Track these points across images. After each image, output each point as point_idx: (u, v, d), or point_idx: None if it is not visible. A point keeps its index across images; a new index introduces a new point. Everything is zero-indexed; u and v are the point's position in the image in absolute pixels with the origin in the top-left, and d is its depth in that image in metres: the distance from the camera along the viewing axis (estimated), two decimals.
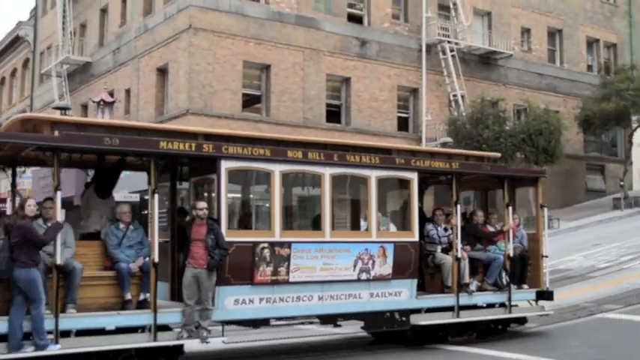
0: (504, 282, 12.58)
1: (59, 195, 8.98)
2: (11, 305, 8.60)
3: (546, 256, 13.47)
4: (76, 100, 35.15)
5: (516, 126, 30.39)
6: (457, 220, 12.09)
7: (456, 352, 11.70)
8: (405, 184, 11.97)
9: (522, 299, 13.09)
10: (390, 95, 30.74)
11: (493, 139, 28.40)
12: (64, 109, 10.96)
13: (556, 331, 13.41)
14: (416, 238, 11.78)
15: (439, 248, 12.27)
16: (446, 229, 12.39)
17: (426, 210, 13.49)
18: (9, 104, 47.52)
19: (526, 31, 35.79)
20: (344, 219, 13.08)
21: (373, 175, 11.37)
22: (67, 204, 10.88)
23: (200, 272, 9.73)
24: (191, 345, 10.06)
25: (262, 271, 10.24)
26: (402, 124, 31.33)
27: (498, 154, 15.15)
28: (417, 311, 11.83)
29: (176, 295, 10.36)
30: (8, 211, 15.31)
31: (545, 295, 13.23)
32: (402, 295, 11.61)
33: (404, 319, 11.67)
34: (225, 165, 9.99)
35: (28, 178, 25.31)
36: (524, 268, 13.16)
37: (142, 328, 9.46)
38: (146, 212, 27.15)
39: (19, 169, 10.78)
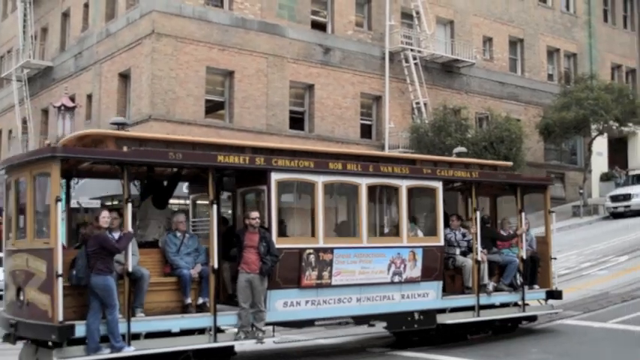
0: (519, 282, 13.59)
1: (129, 206, 9.66)
2: (88, 310, 9.23)
3: (555, 258, 14.67)
4: (37, 105, 34.71)
5: (478, 134, 30.64)
6: (477, 226, 13.04)
7: (410, 358, 11.87)
8: (431, 192, 12.88)
9: (533, 298, 14.12)
10: (353, 102, 30.86)
11: (455, 147, 28.60)
12: (121, 125, 11.82)
13: (516, 337, 13.55)
14: (442, 242, 12.76)
15: (458, 251, 13.18)
16: (464, 235, 13.32)
17: None
18: None
19: (488, 40, 36.20)
20: (379, 225, 13.77)
21: (404, 184, 12.32)
22: None
23: (253, 277, 10.44)
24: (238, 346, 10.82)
25: (308, 275, 11.06)
26: (365, 131, 31.46)
27: (510, 163, 16.69)
28: (442, 311, 12.71)
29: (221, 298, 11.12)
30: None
31: (555, 294, 14.35)
32: (429, 296, 12.52)
33: (431, 318, 12.52)
34: (274, 177, 10.83)
35: None
36: (534, 269, 14.19)
37: (200, 330, 10.24)
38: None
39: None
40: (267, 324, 10.81)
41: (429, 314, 12.51)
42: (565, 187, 39.38)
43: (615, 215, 32.92)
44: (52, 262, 9.09)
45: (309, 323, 11.61)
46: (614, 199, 33.44)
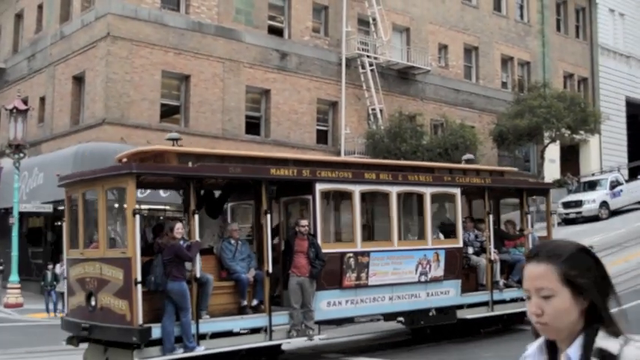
0: None
1: (196, 218, 10.54)
2: (163, 314, 10.02)
3: None
4: None
5: (433, 140, 31.02)
6: (490, 228, 14.21)
7: None
8: (451, 197, 14.09)
9: None
10: (309, 108, 30.96)
11: (410, 153, 28.90)
12: (175, 140, 12.25)
13: (471, 342, 13.73)
14: (461, 244, 13.91)
15: (471, 251, 14.23)
16: (477, 236, 14.39)
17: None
18: None
19: (443, 48, 36.62)
20: (407, 229, 14.79)
21: (428, 191, 13.43)
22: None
23: (304, 280, 11.38)
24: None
25: (348, 276, 12.07)
26: (321, 137, 31.58)
27: (516, 169, 18.28)
28: (460, 307, 13.78)
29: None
30: None
31: None
32: (450, 293, 13.60)
33: (452, 314, 13.62)
34: (319, 187, 11.86)
35: None
36: None
37: (255, 330, 11.09)
38: (60, 223, 26.62)
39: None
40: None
41: (450, 310, 13.61)
42: None
43: (567, 221, 33.54)
44: (129, 270, 9.89)
45: (349, 320, 12.92)
46: (566, 205, 34.07)
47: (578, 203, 33.54)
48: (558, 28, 43.55)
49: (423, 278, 13.05)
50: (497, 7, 39.86)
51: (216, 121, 28.08)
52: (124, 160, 11.40)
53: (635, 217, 31.61)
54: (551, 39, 42.47)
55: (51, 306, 21.40)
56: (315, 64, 31.16)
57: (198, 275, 10.45)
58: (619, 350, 2.18)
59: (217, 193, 13.00)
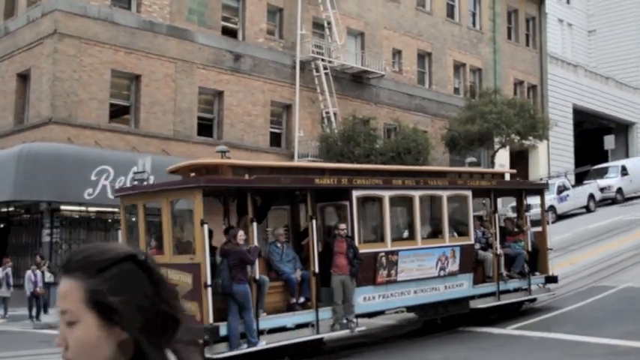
0: (526, 270, 16.38)
1: (255, 225, 11.69)
2: (228, 313, 11.16)
3: (551, 249, 17.48)
4: None
5: (386, 144, 31.00)
6: (496, 225, 15.71)
7: None
8: (463, 199, 15.44)
9: (535, 283, 16.83)
10: (263, 110, 30.61)
11: (364, 157, 28.82)
12: (224, 152, 13.34)
13: (417, 345, 13.72)
14: (472, 241, 15.34)
15: (478, 246, 15.60)
16: (483, 233, 15.83)
17: None
18: None
19: (397, 53, 36.70)
20: (428, 228, 15.86)
21: (445, 194, 14.81)
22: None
23: (345, 278, 12.51)
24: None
25: (381, 274, 13.27)
26: (275, 140, 31.26)
27: (514, 171, 20.32)
28: (472, 298, 15.14)
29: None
30: None
31: (552, 279, 17.09)
32: (464, 285, 14.96)
33: (465, 304, 15.06)
34: (355, 194, 13.04)
35: None
36: (535, 258, 16.97)
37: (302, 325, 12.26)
38: (2, 226, 25.66)
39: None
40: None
41: (464, 301, 15.04)
42: None
43: None
44: (199, 275, 10.99)
45: (380, 313, 14.21)
46: (515, 210, 34.36)
47: (527, 207, 33.81)
48: (509, 37, 44.13)
49: (442, 273, 14.41)
50: (451, 14, 40.17)
51: (168, 122, 27.50)
52: (175, 171, 12.94)
53: (580, 222, 32.14)
54: (502, 47, 43.00)
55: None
56: (270, 66, 30.83)
57: (257, 277, 11.55)
58: None
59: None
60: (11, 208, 26.22)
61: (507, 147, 37.55)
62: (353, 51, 34.57)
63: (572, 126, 48.79)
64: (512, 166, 41.90)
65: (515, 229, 16.74)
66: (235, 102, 29.63)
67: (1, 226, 26.94)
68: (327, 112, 31.61)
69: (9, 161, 23.72)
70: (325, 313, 12.48)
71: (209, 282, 10.95)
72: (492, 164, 37.15)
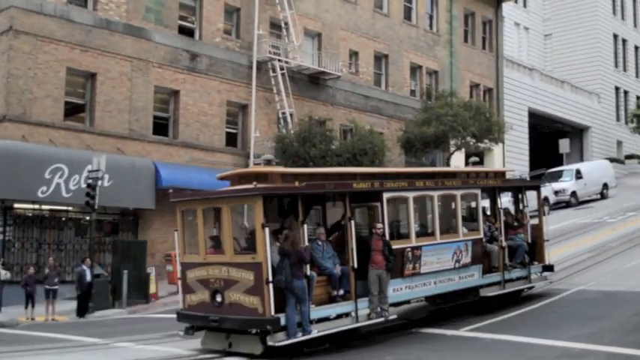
0: (526, 261, 17.94)
1: (306, 227, 12.92)
2: (287, 305, 12.38)
3: (547, 240, 19.02)
4: None
5: (342, 145, 31.29)
6: (501, 220, 17.18)
7: None
8: (473, 197, 17.10)
9: (534, 272, 18.38)
10: (219, 110, 30.80)
11: (320, 158, 29.10)
12: (270, 161, 14.46)
13: (369, 346, 13.90)
14: (481, 235, 16.84)
15: (484, 239, 16.94)
16: (489, 227, 17.23)
17: None
18: None
19: (354, 54, 37.07)
20: (444, 225, 16.79)
21: (459, 193, 16.39)
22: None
23: (381, 272, 13.84)
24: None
25: (407, 267, 14.69)
26: (231, 140, 31.45)
27: (514, 170, 20.89)
28: (481, 287, 16.62)
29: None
30: None
31: (548, 267, 18.87)
32: (475, 276, 16.47)
33: (476, 293, 16.57)
34: (385, 196, 14.34)
35: None
36: (534, 249, 18.46)
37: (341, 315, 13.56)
38: None
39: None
40: None
41: (475, 290, 16.51)
42: None
43: None
44: (260, 272, 12.30)
45: (406, 302, 15.56)
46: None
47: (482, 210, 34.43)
48: (466, 39, 44.77)
49: (457, 265, 15.82)
50: (408, 16, 40.67)
51: (123, 120, 27.57)
52: (226, 178, 14.64)
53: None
54: (458, 49, 43.62)
55: None
56: (226, 66, 31.02)
57: (308, 273, 12.73)
58: None
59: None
60: None
61: (463, 149, 37.94)
62: (310, 52, 34.87)
63: (527, 129, 49.65)
64: None
65: (515, 223, 18.04)
66: (191, 101, 29.79)
67: None
68: (284, 113, 31.88)
69: None
70: (362, 303, 13.72)
71: (270, 278, 12.27)
72: (448, 166, 37.62)
